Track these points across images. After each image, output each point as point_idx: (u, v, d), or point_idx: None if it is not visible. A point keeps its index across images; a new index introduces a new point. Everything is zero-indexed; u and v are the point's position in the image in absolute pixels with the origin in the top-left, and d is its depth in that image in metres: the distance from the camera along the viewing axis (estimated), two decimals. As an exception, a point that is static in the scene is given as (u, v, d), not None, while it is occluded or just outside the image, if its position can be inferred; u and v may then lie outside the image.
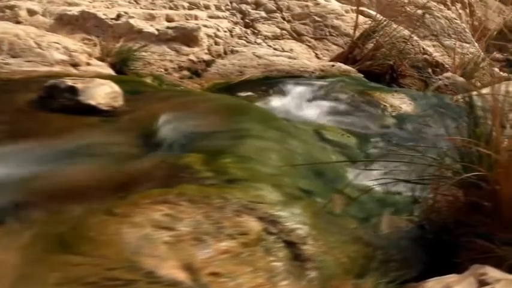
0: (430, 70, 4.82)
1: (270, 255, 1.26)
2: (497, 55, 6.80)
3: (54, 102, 2.11)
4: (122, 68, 3.21)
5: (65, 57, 2.87)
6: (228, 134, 1.89)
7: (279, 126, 2.16)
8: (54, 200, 1.33)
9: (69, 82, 2.13)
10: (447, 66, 4.97)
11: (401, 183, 1.96)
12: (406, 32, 4.52)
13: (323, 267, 1.29)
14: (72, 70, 2.83)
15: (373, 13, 4.84)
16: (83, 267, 1.02)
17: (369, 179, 1.99)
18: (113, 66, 3.19)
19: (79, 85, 2.12)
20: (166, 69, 3.90)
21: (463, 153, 1.57)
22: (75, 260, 1.07)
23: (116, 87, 2.27)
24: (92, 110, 2.13)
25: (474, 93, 1.79)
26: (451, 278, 1.24)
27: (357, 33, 4.48)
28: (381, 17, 4.49)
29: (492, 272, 1.17)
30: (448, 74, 4.77)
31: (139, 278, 1.04)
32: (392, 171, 2.03)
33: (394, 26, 4.40)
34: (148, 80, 3.04)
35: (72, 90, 2.11)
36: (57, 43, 2.92)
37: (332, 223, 1.56)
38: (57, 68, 2.74)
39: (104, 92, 2.18)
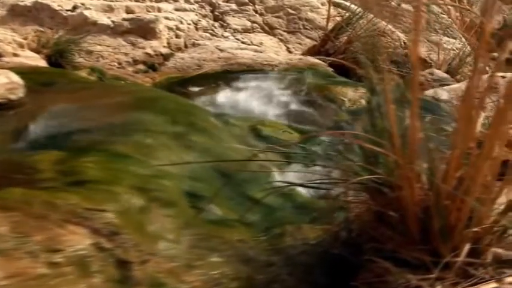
0: (411, 65, 4.52)
1: (87, 278, 1.00)
2: (495, 54, 6.49)
3: None
4: (58, 60, 2.97)
5: (-14, 47, 2.64)
6: (116, 128, 1.63)
7: (193, 121, 1.90)
8: None
9: (-48, 71, 1.89)
10: (431, 61, 4.68)
11: (337, 186, 1.68)
12: (383, 25, 4.22)
13: (158, 293, 1.03)
14: (-6, 61, 2.60)
15: (353, 6, 4.55)
16: None
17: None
18: (48, 58, 2.96)
19: (-37, 74, 1.88)
20: (119, 63, 3.66)
21: (366, 153, 1.29)
22: None
23: (16, 79, 2.02)
24: (-20, 102, 1.89)
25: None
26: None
27: (332, 26, 4.21)
28: (357, 9, 4.21)
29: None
30: (431, 70, 4.48)
31: None
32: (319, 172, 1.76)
33: (370, 18, 4.11)
34: (84, 73, 2.79)
35: (-44, 79, 1.87)
36: (-20, 32, 2.69)
37: (208, 235, 1.29)
38: (-27, 58, 2.51)
39: (-5, 83, 1.94)
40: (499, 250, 1.20)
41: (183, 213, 1.32)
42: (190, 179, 1.51)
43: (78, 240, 1.06)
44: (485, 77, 1.14)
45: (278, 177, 1.68)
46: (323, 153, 1.61)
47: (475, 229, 1.13)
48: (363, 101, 2.96)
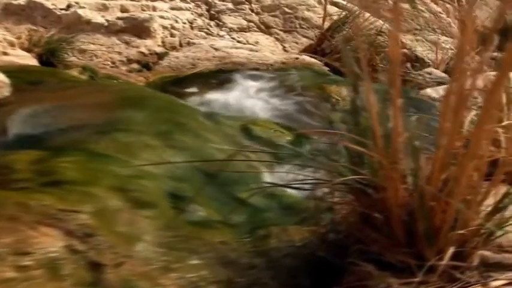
0: (408, 65, 4.49)
1: (57, 282, 0.97)
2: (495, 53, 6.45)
3: None
4: (49, 58, 2.94)
5: (-25, 46, 2.61)
6: (99, 128, 1.60)
7: (180, 121, 1.87)
8: None
9: None
10: (429, 61, 4.64)
11: (321, 187, 1.64)
12: (380, 24, 4.18)
13: (130, 297, 1.00)
14: (-17, 59, 2.57)
15: (349, 5, 4.52)
16: None
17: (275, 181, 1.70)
18: (40, 56, 2.93)
19: None
20: (113, 62, 3.63)
21: (351, 153, 1.26)
22: None
23: (2, 77, 2.00)
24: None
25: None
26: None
27: (328, 25, 4.18)
28: (354, 7, 4.18)
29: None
30: (429, 69, 4.44)
31: None
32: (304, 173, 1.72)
33: (366, 16, 4.07)
34: (75, 72, 2.76)
35: None
36: (-31, 30, 2.66)
37: (188, 237, 1.26)
38: (-38, 57, 2.48)
39: (-20, 81, 1.91)
40: (486, 253, 1.17)
41: (163, 214, 1.29)
42: (173, 180, 1.48)
43: (50, 243, 1.03)
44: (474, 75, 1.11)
45: (265, 177, 1.65)
46: (309, 153, 1.57)
47: (461, 231, 1.09)
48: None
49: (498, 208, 1.12)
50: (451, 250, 1.04)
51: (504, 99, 1.42)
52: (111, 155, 1.42)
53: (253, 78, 3.31)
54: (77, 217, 1.11)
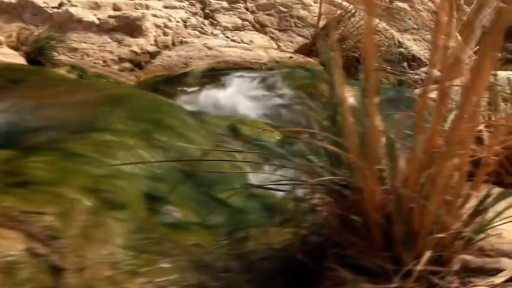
0: (405, 64, 4.45)
1: (13, 287, 0.92)
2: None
3: None
4: (37, 57, 2.90)
5: (-40, 44, 2.58)
6: (76, 126, 1.56)
7: (161, 120, 1.82)
8: None
9: None
10: (426, 60, 4.59)
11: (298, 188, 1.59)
12: (376, 23, 4.13)
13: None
14: (-32, 58, 2.54)
15: (345, 3, 4.47)
16: None
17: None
18: (27, 55, 2.89)
19: None
20: (104, 61, 3.59)
21: (328, 153, 1.21)
22: None
23: (-18, 74, 1.96)
24: None
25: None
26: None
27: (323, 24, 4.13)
28: (349, 6, 4.13)
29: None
30: (426, 69, 4.39)
31: None
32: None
33: (362, 15, 4.02)
34: (63, 71, 2.72)
35: None
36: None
37: (160, 239, 1.22)
38: None
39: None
40: (468, 257, 1.13)
41: (135, 215, 1.25)
42: (150, 180, 1.43)
43: (8, 246, 0.98)
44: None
45: (246, 177, 1.61)
46: (293, 153, 1.53)
47: (440, 235, 1.05)
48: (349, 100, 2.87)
49: (479, 210, 1.08)
50: (427, 254, 0.99)
51: (490, 97, 1.37)
52: (86, 155, 1.38)
53: (246, 77, 3.28)
54: (41, 219, 1.07)
